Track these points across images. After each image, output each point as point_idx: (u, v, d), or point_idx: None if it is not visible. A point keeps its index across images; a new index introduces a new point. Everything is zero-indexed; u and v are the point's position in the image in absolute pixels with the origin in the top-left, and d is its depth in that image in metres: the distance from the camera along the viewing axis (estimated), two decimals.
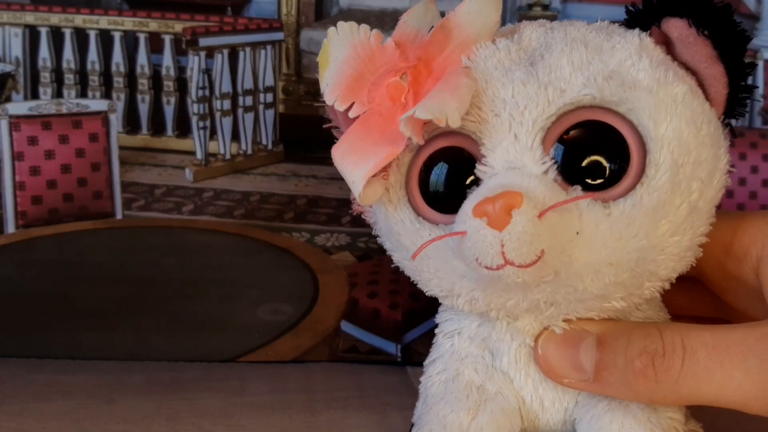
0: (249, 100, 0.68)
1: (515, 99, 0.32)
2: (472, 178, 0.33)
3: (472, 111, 0.32)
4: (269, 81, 0.68)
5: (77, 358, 0.65)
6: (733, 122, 0.35)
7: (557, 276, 0.32)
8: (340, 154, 0.34)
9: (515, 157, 0.32)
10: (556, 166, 0.32)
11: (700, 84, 0.34)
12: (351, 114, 0.34)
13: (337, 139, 0.36)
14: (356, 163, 0.33)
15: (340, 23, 0.34)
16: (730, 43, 0.33)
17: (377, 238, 0.38)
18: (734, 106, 0.34)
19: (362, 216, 0.39)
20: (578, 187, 0.32)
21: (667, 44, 0.34)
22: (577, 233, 0.31)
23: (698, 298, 0.38)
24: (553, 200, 0.30)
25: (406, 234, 0.34)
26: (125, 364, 0.64)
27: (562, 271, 0.32)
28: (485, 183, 0.32)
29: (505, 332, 0.36)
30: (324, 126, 0.38)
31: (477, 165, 0.33)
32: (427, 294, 0.36)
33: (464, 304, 0.34)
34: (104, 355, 0.65)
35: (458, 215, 0.32)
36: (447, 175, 0.34)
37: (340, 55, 0.34)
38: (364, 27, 0.34)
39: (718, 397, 0.32)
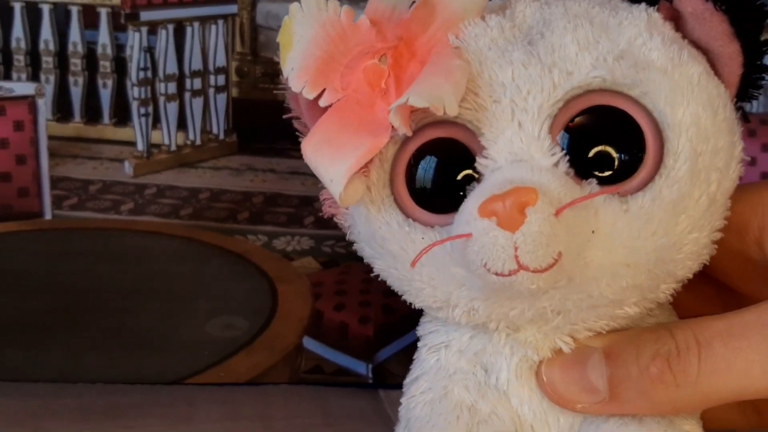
0: (197, 83, 0.68)
1: (516, 83, 0.32)
2: (466, 173, 0.33)
3: (468, 97, 0.32)
4: (221, 61, 0.68)
5: None
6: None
7: (570, 281, 0.32)
8: (312, 147, 0.33)
9: (521, 148, 0.32)
10: (566, 157, 0.32)
11: (712, 64, 0.34)
12: (322, 102, 0.33)
13: (299, 132, 0.36)
14: (334, 157, 0.33)
15: None
16: (747, 20, 0.33)
17: (352, 244, 0.37)
18: (747, 88, 0.35)
19: (334, 218, 0.38)
20: (593, 181, 0.32)
21: (675, 20, 0.34)
22: (593, 232, 0.31)
23: (702, 292, 0.39)
24: (570, 196, 0.31)
25: (393, 239, 0.34)
26: (55, 386, 0.63)
27: (576, 275, 0.32)
28: (488, 178, 0.32)
29: (504, 345, 0.36)
30: (284, 117, 0.38)
31: (477, 158, 0.33)
32: (416, 306, 0.36)
33: (461, 316, 0.34)
34: (30, 377, 0.64)
35: (459, 215, 0.32)
36: (436, 170, 0.34)
37: (306, 35, 0.33)
38: (333, 2, 0.33)
39: (744, 387, 0.33)
